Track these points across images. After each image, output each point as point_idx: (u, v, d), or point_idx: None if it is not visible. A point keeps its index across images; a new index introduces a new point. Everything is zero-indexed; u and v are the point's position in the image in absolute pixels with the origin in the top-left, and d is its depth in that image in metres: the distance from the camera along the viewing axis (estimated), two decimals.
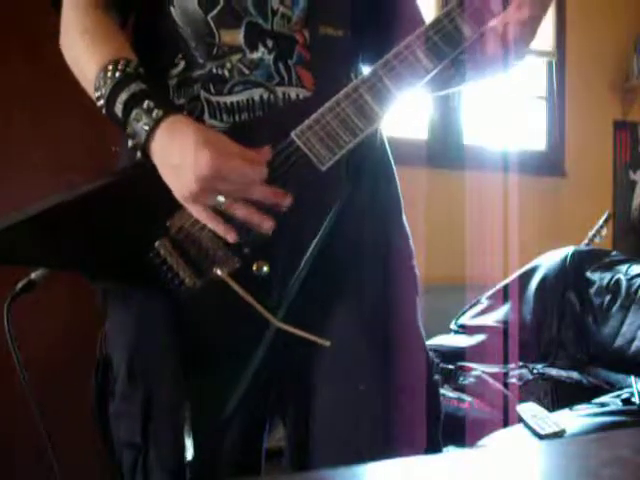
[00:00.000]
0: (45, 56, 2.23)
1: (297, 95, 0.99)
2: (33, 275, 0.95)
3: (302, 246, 0.92)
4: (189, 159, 0.86)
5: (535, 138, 3.90)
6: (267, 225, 0.90)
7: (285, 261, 0.92)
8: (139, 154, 0.92)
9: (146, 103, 0.90)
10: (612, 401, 1.94)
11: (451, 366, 2.23)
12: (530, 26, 0.94)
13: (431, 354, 1.07)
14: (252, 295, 0.90)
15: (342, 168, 0.94)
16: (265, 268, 0.92)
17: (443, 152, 3.48)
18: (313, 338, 0.92)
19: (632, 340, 2.23)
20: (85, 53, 0.97)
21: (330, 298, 0.99)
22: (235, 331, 0.94)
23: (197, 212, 0.90)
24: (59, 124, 2.34)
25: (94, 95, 0.94)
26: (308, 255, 0.92)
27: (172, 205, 0.91)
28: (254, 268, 0.92)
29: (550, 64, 3.93)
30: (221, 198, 0.88)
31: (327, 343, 0.93)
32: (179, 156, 0.87)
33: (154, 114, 0.90)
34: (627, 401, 1.92)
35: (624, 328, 2.28)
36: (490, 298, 2.59)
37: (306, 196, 0.92)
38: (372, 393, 0.96)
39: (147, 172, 0.91)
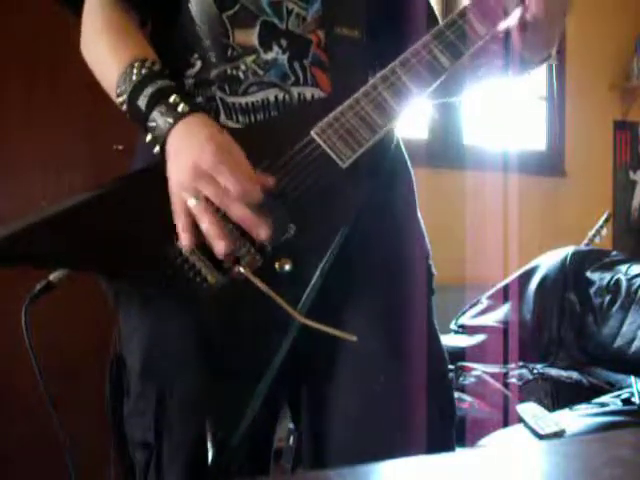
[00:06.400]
0: (44, 55, 2.24)
1: (312, 95, 0.99)
2: (51, 277, 0.94)
3: (324, 244, 0.92)
4: (195, 148, 0.87)
5: (535, 138, 3.90)
6: (219, 247, 0.86)
7: (308, 259, 0.92)
8: (156, 149, 0.92)
9: (173, 98, 0.91)
10: (612, 401, 1.94)
11: (451, 366, 2.23)
12: (541, 31, 0.95)
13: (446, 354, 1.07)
14: (275, 293, 0.89)
15: (362, 167, 0.94)
16: (287, 266, 0.91)
17: (443, 152, 3.48)
18: (338, 333, 0.91)
19: (632, 340, 2.23)
20: (108, 52, 0.97)
21: (345, 297, 0.99)
22: (256, 330, 0.93)
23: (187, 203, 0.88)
24: (60, 124, 2.34)
25: (115, 91, 0.94)
26: (330, 253, 0.91)
27: None
28: (276, 266, 0.91)
29: (550, 64, 3.92)
30: (196, 199, 0.86)
31: (353, 338, 0.91)
32: (187, 144, 0.88)
33: (180, 108, 0.91)
34: (627, 401, 1.92)
35: (624, 328, 2.28)
36: (490, 298, 2.59)
37: (327, 194, 0.92)
38: (387, 393, 0.96)
39: (166, 169, 0.91)
